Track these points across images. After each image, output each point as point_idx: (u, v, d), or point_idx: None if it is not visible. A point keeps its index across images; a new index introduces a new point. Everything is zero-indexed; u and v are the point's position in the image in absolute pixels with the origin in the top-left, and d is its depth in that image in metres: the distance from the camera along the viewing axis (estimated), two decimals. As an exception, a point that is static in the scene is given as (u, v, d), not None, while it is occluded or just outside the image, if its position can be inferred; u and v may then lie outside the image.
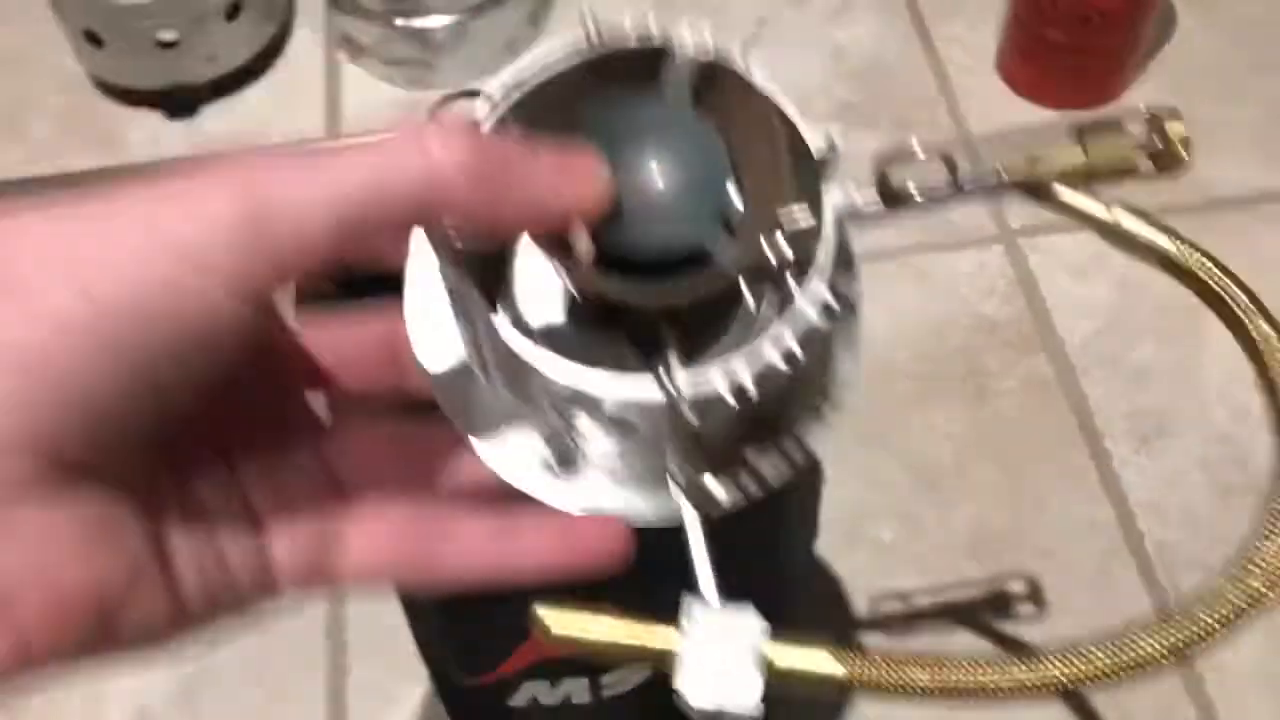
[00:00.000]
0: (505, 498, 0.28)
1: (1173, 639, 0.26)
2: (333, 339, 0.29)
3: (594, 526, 0.28)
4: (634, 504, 0.28)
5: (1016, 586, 0.65)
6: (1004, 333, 0.76)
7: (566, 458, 0.28)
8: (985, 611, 0.65)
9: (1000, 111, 0.87)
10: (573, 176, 0.25)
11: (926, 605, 0.65)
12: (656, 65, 0.28)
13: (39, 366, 0.21)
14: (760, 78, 0.28)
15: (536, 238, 0.27)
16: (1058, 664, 0.26)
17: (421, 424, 0.29)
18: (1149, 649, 0.26)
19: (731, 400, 0.25)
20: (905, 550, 0.67)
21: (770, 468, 0.28)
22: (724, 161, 0.27)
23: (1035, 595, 0.65)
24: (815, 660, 0.25)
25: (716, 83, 0.28)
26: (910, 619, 0.65)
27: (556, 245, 0.26)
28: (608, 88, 0.27)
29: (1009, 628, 0.65)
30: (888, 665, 0.25)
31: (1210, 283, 0.33)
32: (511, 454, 0.28)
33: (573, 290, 0.29)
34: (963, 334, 0.76)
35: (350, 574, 0.28)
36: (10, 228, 0.22)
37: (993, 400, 0.72)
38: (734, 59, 0.28)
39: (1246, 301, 0.32)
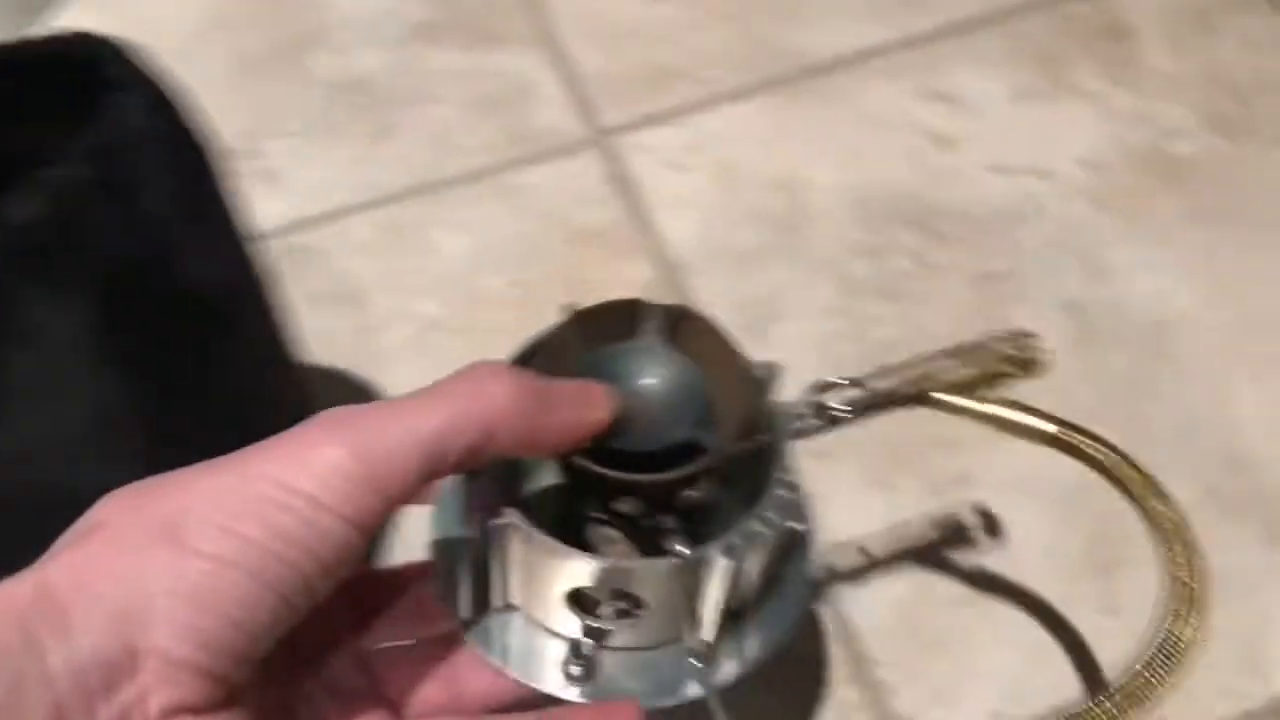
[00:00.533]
0: (529, 704, 0.35)
1: None
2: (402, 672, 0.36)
3: (617, 712, 0.34)
4: (645, 691, 0.36)
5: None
6: (604, 241, 0.70)
7: (586, 669, 0.35)
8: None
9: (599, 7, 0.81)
10: (590, 400, 0.33)
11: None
12: (630, 316, 0.37)
13: (209, 594, 0.27)
14: (713, 321, 0.36)
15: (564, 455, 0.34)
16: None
17: (451, 649, 0.36)
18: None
19: (727, 564, 0.33)
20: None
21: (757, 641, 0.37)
22: (700, 380, 0.35)
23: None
24: None
25: (682, 326, 0.36)
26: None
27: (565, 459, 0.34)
28: (595, 339, 0.36)
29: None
30: None
31: (1099, 458, 0.42)
32: (545, 669, 0.36)
33: (580, 502, 0.36)
34: (559, 250, 0.69)
35: None
36: (166, 489, 0.28)
37: (595, 313, 0.66)
38: (692, 308, 0.36)
39: (1139, 477, 0.41)
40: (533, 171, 0.73)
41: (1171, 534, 0.41)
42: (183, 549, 0.27)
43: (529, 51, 0.79)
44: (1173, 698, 0.53)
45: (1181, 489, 0.59)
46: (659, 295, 0.64)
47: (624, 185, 0.72)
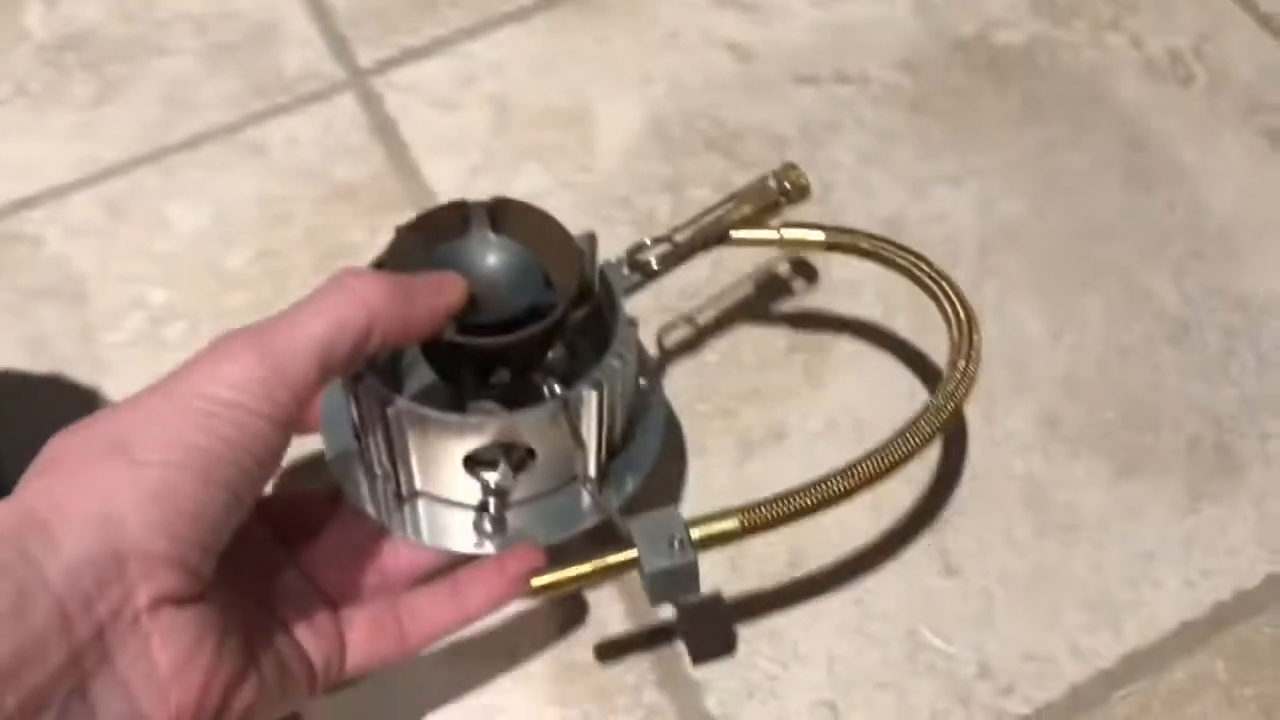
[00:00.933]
0: (443, 568, 0.43)
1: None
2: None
3: (518, 556, 0.42)
4: (549, 532, 0.43)
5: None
6: (363, 197, 0.60)
7: (497, 521, 0.42)
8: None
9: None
10: (445, 286, 0.39)
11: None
12: (459, 216, 0.43)
13: (167, 496, 0.32)
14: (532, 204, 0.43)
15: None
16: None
17: (377, 542, 0.43)
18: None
19: (597, 396, 0.40)
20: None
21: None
22: (531, 256, 0.42)
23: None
24: (722, 525, 0.40)
25: (508, 212, 0.43)
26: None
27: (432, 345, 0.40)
28: (439, 238, 0.42)
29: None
30: (759, 512, 0.40)
31: (882, 254, 0.48)
32: (456, 536, 0.43)
33: (454, 380, 0.43)
34: (314, 210, 0.60)
35: (350, 670, 0.41)
36: (103, 420, 0.33)
37: (353, 284, 0.57)
38: (511, 197, 0.43)
39: (908, 254, 0.48)
40: (280, 125, 0.63)
41: (939, 287, 0.47)
42: (133, 461, 0.32)
43: (274, -14, 0.69)
44: (1023, 667, 0.47)
45: (1018, 421, 0.53)
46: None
47: (385, 131, 0.63)
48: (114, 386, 0.54)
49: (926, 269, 0.47)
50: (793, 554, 0.50)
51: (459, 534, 0.43)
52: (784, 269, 0.58)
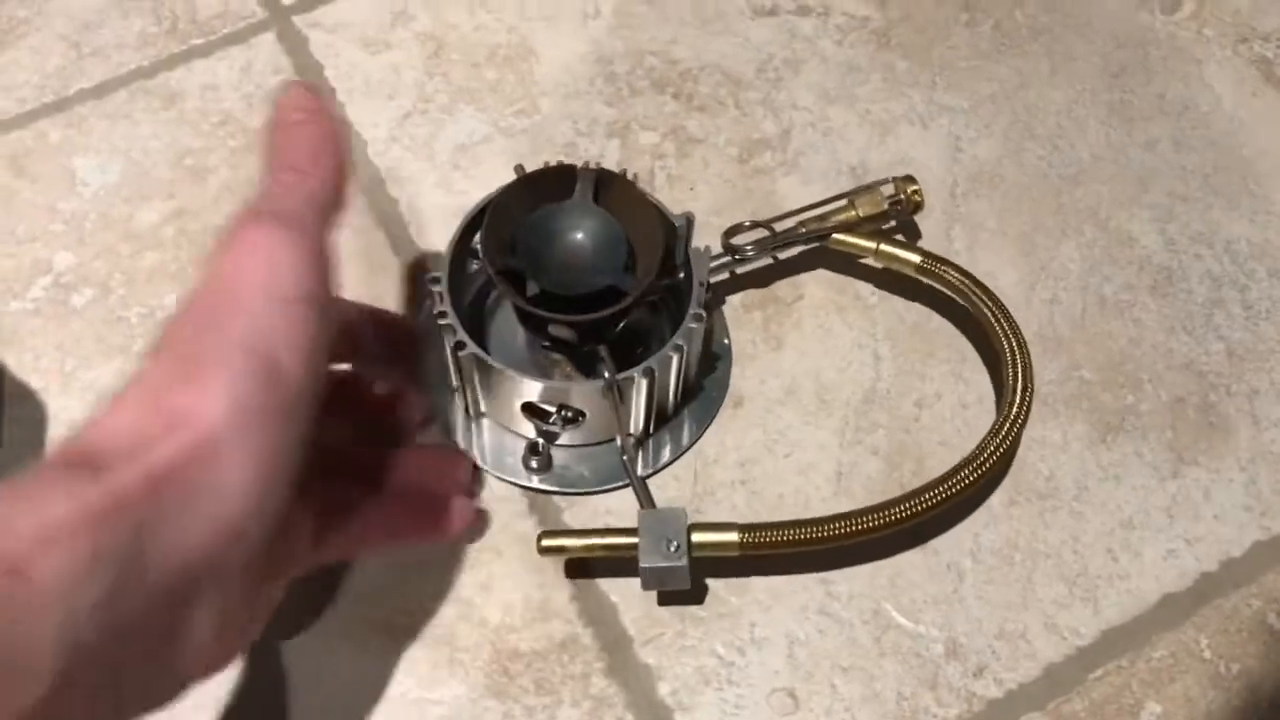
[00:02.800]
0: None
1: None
2: None
3: (448, 458, 0.47)
4: (588, 478, 0.47)
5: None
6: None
7: (543, 462, 0.47)
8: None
9: None
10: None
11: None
12: (566, 178, 0.45)
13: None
14: (635, 180, 0.46)
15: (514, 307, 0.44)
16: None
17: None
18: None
19: (646, 383, 0.44)
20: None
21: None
22: (621, 233, 0.44)
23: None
24: (721, 536, 0.43)
25: (609, 185, 0.45)
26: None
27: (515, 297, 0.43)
28: (540, 197, 0.45)
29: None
30: (763, 534, 0.43)
31: (961, 287, 0.49)
32: (507, 463, 0.47)
33: (535, 335, 0.46)
34: (230, 164, 0.55)
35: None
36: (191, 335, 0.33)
37: (276, 243, 0.53)
38: (617, 172, 0.46)
39: (990, 303, 0.48)
40: (195, 69, 0.58)
41: (1006, 338, 0.48)
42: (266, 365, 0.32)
43: (188, -84, 0.63)
44: (995, 647, 0.44)
45: (989, 381, 0.50)
46: (353, 209, 0.52)
47: (309, 74, 0.58)
48: (17, 359, 0.50)
49: (1005, 323, 0.48)
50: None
51: (511, 461, 0.48)
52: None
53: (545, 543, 0.43)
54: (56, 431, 0.49)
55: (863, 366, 0.50)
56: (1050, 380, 0.50)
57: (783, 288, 0.52)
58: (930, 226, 0.53)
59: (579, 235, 0.45)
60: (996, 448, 0.45)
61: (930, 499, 0.43)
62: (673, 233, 0.46)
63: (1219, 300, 0.52)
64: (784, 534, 0.43)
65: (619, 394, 0.44)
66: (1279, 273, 0.52)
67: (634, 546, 0.43)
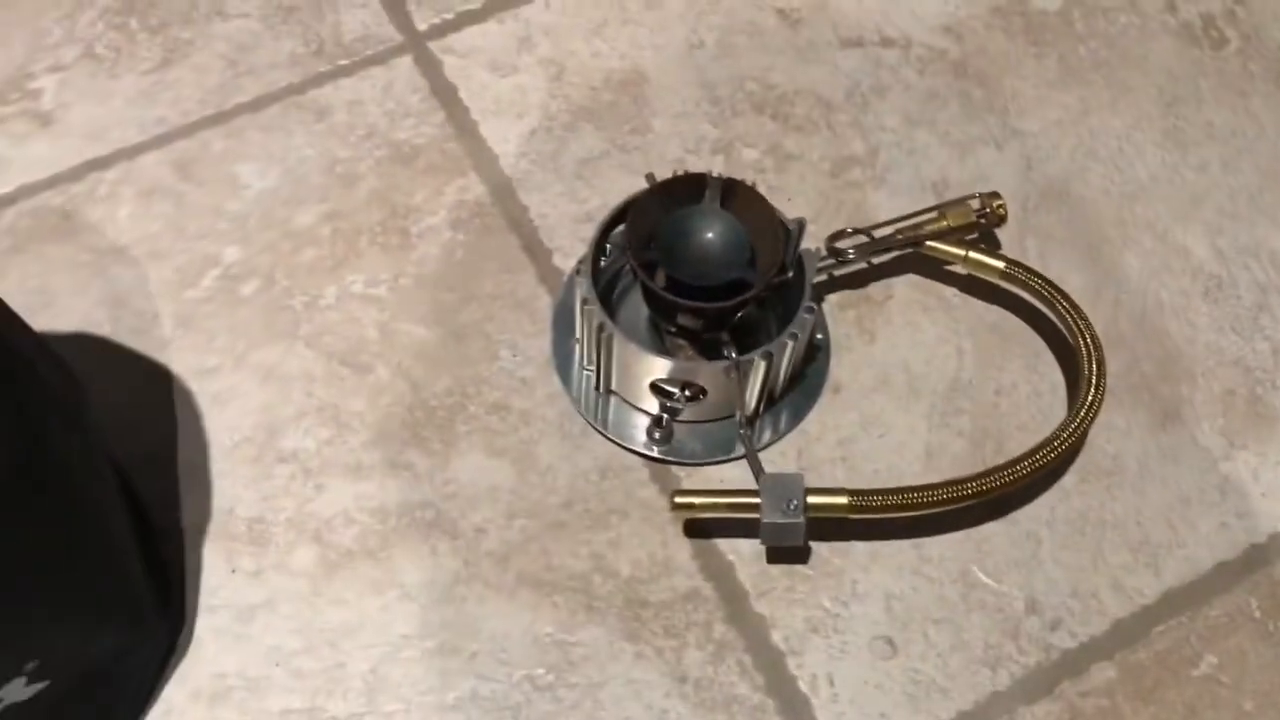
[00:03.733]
0: None
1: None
2: None
3: None
4: (701, 451, 0.54)
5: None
6: (425, 160, 0.62)
7: (666, 435, 0.54)
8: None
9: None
10: None
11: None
12: (697, 185, 0.53)
13: None
14: (755, 187, 0.53)
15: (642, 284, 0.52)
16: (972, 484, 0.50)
17: None
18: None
19: (764, 365, 0.51)
20: (333, 460, 0.54)
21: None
22: (745, 234, 0.51)
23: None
24: (833, 499, 0.49)
25: (734, 192, 0.52)
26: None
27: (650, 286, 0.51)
28: (673, 201, 0.52)
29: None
30: (870, 497, 0.49)
31: (1042, 291, 0.55)
32: (633, 434, 0.54)
33: (663, 322, 0.54)
34: (377, 172, 0.62)
35: None
36: None
37: (421, 243, 0.60)
38: (743, 180, 0.52)
39: (1068, 305, 0.54)
40: (342, 87, 0.65)
41: (1082, 336, 0.53)
42: None
43: (328, -50, 0.70)
44: (1069, 604, 0.50)
45: (1061, 374, 0.56)
46: (488, 215, 0.59)
47: (444, 94, 0.65)
48: (193, 341, 0.57)
49: (1081, 324, 0.53)
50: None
51: (635, 433, 0.54)
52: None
53: (678, 499, 0.50)
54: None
55: (947, 359, 0.56)
56: (1114, 373, 0.56)
57: (875, 289, 0.59)
58: (1006, 237, 0.60)
59: (709, 234, 0.52)
60: (1073, 432, 0.51)
61: (1016, 472, 0.49)
62: (787, 236, 0.52)
63: (1265, 305, 0.58)
64: (888, 498, 0.49)
65: (740, 374, 0.51)
66: (1319, 282, 0.58)
67: (756, 506, 0.49)
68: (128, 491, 0.50)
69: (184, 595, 0.51)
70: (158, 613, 0.49)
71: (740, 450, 0.53)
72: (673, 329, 0.53)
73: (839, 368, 0.56)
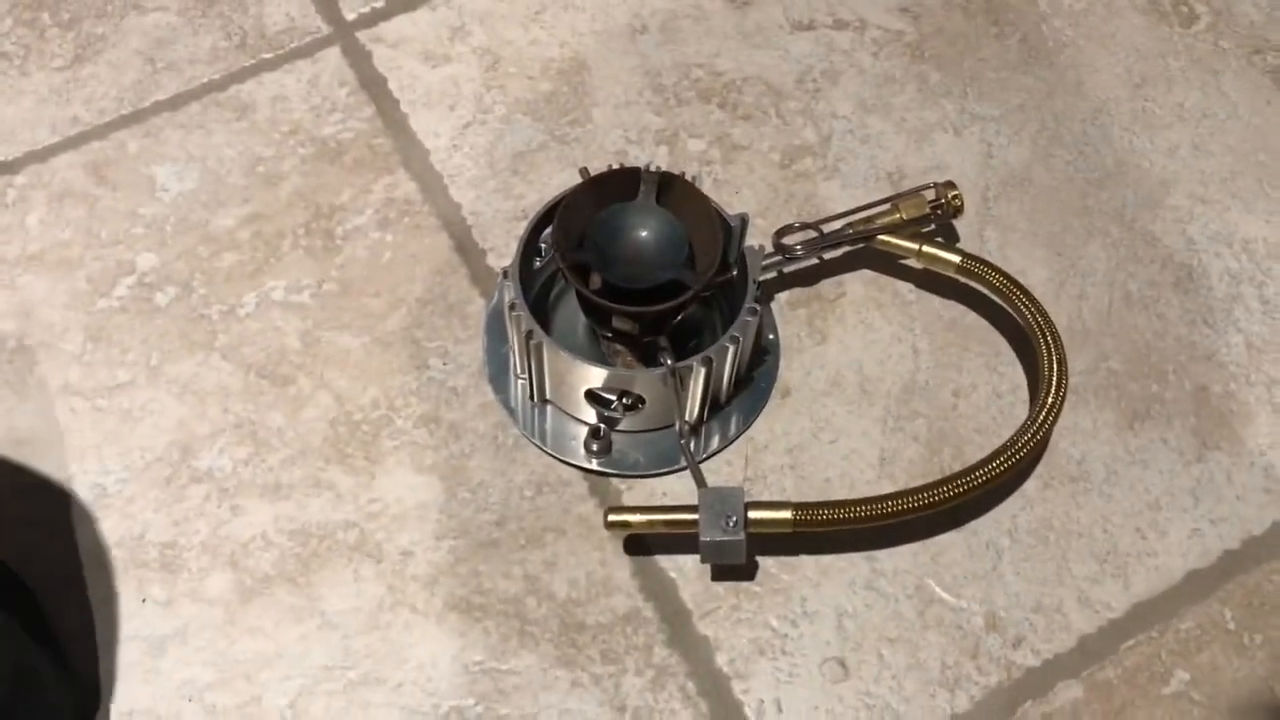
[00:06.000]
0: None
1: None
2: None
3: None
4: (643, 463, 0.51)
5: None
6: (353, 156, 0.59)
7: (604, 446, 0.50)
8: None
9: None
10: None
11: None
12: (631, 180, 0.49)
13: None
14: (695, 182, 0.50)
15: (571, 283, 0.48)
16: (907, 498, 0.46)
17: None
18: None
19: (704, 371, 0.48)
20: (251, 480, 0.51)
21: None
22: (683, 232, 0.48)
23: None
24: (776, 514, 0.46)
25: (671, 186, 0.49)
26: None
27: (582, 289, 0.47)
28: (607, 197, 0.49)
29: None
30: (815, 511, 0.46)
31: (1000, 287, 0.52)
32: (569, 446, 0.51)
33: (598, 327, 0.50)
34: (301, 171, 0.59)
35: None
36: None
37: (347, 245, 0.56)
38: (681, 174, 0.49)
39: (1027, 300, 0.51)
40: (265, 81, 0.61)
41: (1042, 334, 0.50)
42: None
43: (253, -63, 0.67)
44: (1032, 620, 0.47)
45: (1022, 373, 0.53)
46: (418, 213, 0.56)
47: (373, 87, 0.61)
48: (105, 355, 0.53)
49: (1041, 320, 0.50)
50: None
51: (573, 445, 0.51)
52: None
53: (611, 517, 0.47)
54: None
55: (902, 359, 0.53)
56: (1080, 371, 0.53)
57: (826, 286, 0.55)
58: (965, 228, 0.56)
59: (644, 233, 0.48)
60: (1033, 435, 0.48)
61: (968, 483, 0.46)
62: (729, 232, 0.49)
63: (1238, 295, 0.55)
64: (834, 512, 0.46)
65: (679, 381, 0.47)
66: (1294, 270, 0.55)
67: (694, 522, 0.46)
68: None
69: (97, 667, 0.47)
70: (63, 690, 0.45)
71: (684, 461, 0.50)
72: (609, 334, 0.50)
73: (789, 370, 0.53)
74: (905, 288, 0.55)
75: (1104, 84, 0.61)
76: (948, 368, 0.53)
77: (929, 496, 0.46)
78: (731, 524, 0.45)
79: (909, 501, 0.46)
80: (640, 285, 0.47)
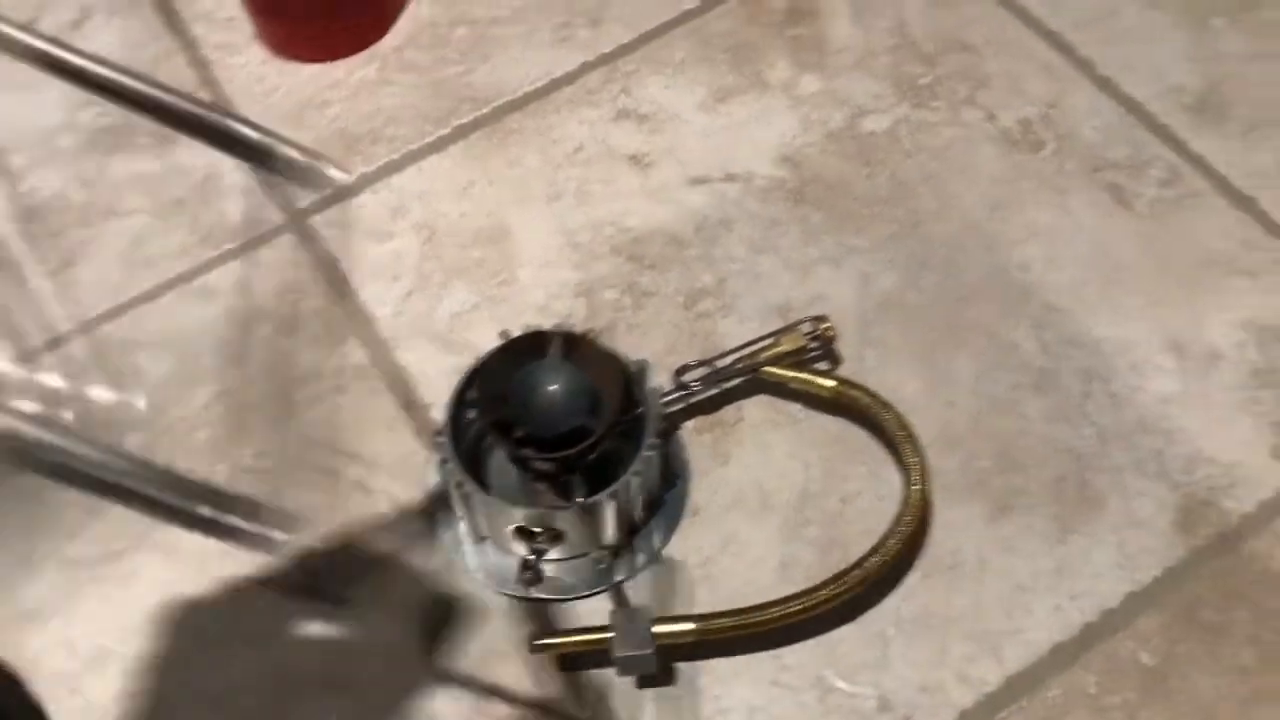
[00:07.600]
0: None
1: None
2: None
3: None
4: (580, 584, 0.58)
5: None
6: (311, 329, 0.67)
7: (535, 576, 0.57)
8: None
9: (270, 80, 0.78)
10: None
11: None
12: (540, 342, 0.58)
13: None
14: (597, 338, 0.59)
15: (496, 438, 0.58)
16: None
17: None
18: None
19: (613, 505, 0.56)
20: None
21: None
22: (587, 382, 0.56)
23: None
24: (680, 627, 0.53)
25: (575, 344, 0.58)
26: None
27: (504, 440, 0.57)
28: (520, 358, 0.57)
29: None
30: (712, 621, 0.54)
31: (868, 410, 0.60)
32: (507, 577, 0.58)
33: (520, 467, 0.58)
34: (265, 347, 0.67)
35: None
36: None
37: (304, 411, 0.64)
38: (584, 333, 0.59)
39: (895, 421, 0.59)
40: (228, 269, 0.70)
41: (910, 449, 0.58)
42: None
43: (215, 139, 0.76)
44: (918, 699, 0.54)
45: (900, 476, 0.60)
46: (369, 378, 0.63)
47: (325, 266, 0.70)
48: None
49: (905, 433, 0.59)
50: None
51: (510, 577, 0.58)
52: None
53: (536, 643, 0.54)
54: None
55: (796, 473, 0.61)
56: (951, 470, 0.60)
57: (728, 412, 0.63)
58: (848, 349, 0.64)
59: (553, 387, 0.56)
60: (878, 562, 0.55)
61: (824, 595, 0.54)
62: (631, 376, 0.57)
63: (1089, 392, 0.62)
64: (730, 620, 0.53)
65: (591, 514, 0.55)
66: (1136, 365, 0.63)
67: (609, 639, 0.53)
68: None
69: None
70: None
71: (607, 582, 0.57)
72: (532, 474, 0.57)
73: (698, 490, 0.60)
74: (795, 408, 0.63)
75: (965, 209, 0.69)
76: (835, 477, 0.60)
77: (809, 600, 0.53)
78: (641, 640, 0.52)
79: (789, 606, 0.53)
80: (550, 433, 0.55)
